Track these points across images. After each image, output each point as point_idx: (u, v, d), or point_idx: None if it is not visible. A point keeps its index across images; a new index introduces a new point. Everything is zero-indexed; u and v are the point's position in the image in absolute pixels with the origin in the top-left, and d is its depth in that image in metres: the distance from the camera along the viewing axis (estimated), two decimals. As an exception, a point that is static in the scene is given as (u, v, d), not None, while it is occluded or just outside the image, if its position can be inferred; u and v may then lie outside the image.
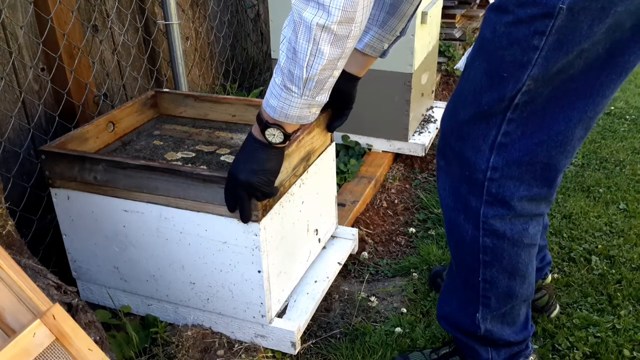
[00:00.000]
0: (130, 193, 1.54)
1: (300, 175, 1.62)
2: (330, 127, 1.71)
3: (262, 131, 1.27)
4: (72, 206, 1.63)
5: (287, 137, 1.27)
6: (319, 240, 1.87)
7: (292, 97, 1.18)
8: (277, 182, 1.38)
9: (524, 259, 1.35)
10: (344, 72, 1.48)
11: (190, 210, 1.51)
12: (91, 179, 1.55)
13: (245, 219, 1.42)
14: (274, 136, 1.27)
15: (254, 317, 1.59)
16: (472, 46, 1.27)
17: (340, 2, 1.03)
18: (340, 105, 1.60)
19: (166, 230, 1.56)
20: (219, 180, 1.41)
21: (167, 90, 2.02)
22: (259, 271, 1.51)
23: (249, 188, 1.33)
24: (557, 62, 1.12)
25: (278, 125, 1.25)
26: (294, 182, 1.59)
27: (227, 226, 1.48)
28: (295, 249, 1.69)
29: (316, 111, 1.23)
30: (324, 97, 1.20)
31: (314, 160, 1.69)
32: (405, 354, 1.64)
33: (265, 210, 1.46)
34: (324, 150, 1.75)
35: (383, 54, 1.54)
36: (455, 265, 1.45)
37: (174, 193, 1.49)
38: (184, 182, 1.46)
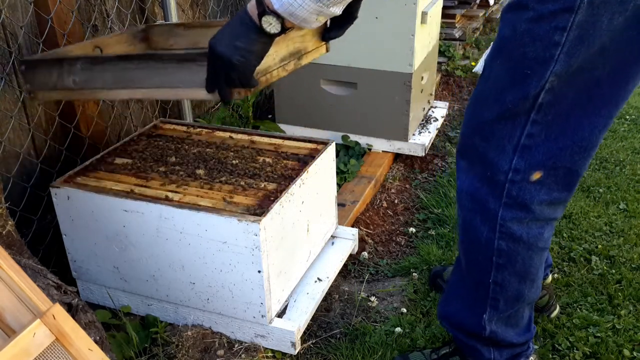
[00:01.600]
0: (109, 93, 1.43)
1: (290, 71, 1.46)
2: (325, 37, 1.51)
3: (260, 16, 1.16)
4: (72, 206, 1.63)
5: (284, 30, 1.17)
6: (319, 240, 1.87)
7: (307, 0, 1.12)
8: (262, 67, 1.25)
9: (536, 262, 1.35)
10: None
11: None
12: (70, 83, 1.45)
13: (225, 102, 1.26)
14: (270, 25, 1.16)
15: (254, 317, 1.59)
16: (489, 47, 1.26)
17: None
18: (341, 18, 1.40)
19: (166, 230, 1.56)
20: (194, 57, 1.28)
21: (158, 23, 1.97)
22: (259, 271, 1.51)
23: (227, 65, 1.19)
24: (579, 58, 1.12)
25: (278, 16, 1.15)
26: (282, 76, 1.44)
27: (227, 226, 1.48)
28: (295, 249, 1.69)
29: (322, 20, 1.17)
30: (338, 9, 1.15)
31: (306, 62, 1.53)
32: (405, 354, 1.64)
33: (247, 91, 1.30)
34: (316, 54, 1.57)
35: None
36: (466, 266, 1.43)
37: (149, 82, 1.37)
38: (160, 67, 1.34)
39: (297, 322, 1.63)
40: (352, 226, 2.22)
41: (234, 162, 1.75)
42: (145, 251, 1.62)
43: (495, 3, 4.82)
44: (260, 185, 1.63)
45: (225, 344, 1.63)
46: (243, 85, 1.23)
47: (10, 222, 1.43)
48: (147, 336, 1.64)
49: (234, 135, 1.93)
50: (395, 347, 1.68)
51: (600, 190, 2.50)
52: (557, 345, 1.68)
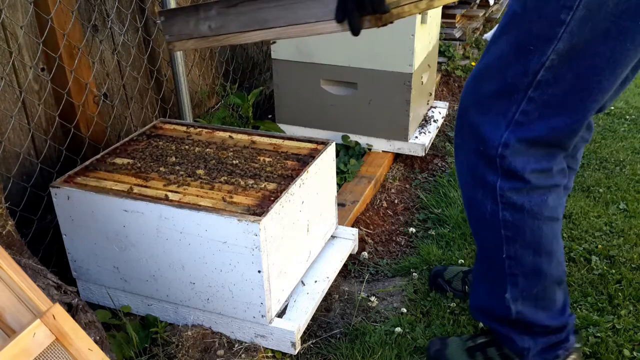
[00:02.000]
0: (243, 36, 1.42)
1: (422, 10, 1.35)
2: None
3: None
4: (72, 206, 1.63)
5: None
6: (319, 240, 1.87)
7: None
8: None
9: (547, 233, 1.34)
10: None
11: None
12: (206, 29, 1.47)
13: (354, 31, 1.20)
14: None
15: (254, 317, 1.59)
16: (499, 22, 1.26)
17: None
18: None
19: (166, 230, 1.56)
20: None
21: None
22: (259, 271, 1.51)
23: None
24: (581, 38, 1.15)
25: None
26: (414, 13, 1.30)
27: (227, 226, 1.48)
28: (295, 249, 1.69)
29: None
30: None
31: (438, 4, 1.40)
32: (443, 338, 1.63)
33: (378, 20, 1.23)
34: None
35: None
36: (479, 247, 1.44)
37: (283, 20, 1.36)
38: (292, 3, 1.33)
39: (297, 322, 1.63)
40: (352, 226, 2.22)
41: (234, 162, 1.75)
42: (145, 251, 1.62)
43: (495, 3, 4.82)
44: (260, 185, 1.63)
45: (225, 344, 1.63)
46: (375, 9, 1.16)
47: (10, 222, 1.43)
48: (147, 336, 1.64)
49: (234, 135, 1.93)
50: (395, 347, 1.68)
51: (600, 190, 2.50)
52: (557, 345, 1.68)
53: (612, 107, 3.36)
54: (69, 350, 1.07)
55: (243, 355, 1.60)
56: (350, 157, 2.61)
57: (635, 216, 2.31)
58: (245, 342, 1.64)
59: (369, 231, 2.26)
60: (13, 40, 1.71)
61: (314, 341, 1.73)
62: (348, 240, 2.00)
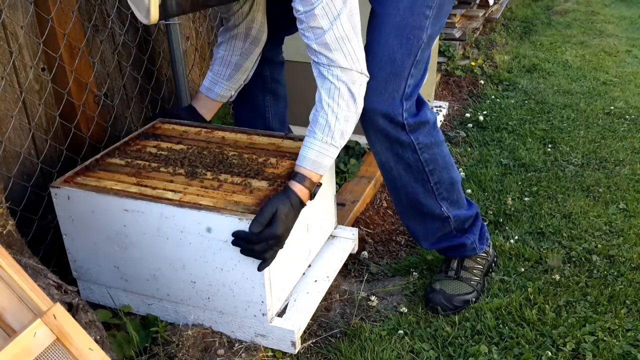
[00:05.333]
0: None
1: None
2: None
3: (314, 193, 1.58)
4: (73, 206, 1.63)
5: None
6: (319, 239, 1.87)
7: (336, 151, 1.57)
8: None
9: (446, 151, 1.78)
10: (197, 113, 1.99)
11: (191, 208, 1.51)
12: None
13: (268, 264, 1.52)
14: (316, 193, 1.60)
15: (254, 316, 1.59)
16: (367, 27, 1.65)
17: (364, 79, 1.56)
18: None
19: (167, 230, 1.56)
20: None
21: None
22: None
23: (280, 243, 1.50)
24: (436, 26, 1.65)
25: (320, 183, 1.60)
26: None
27: (228, 225, 1.48)
28: (295, 248, 1.69)
29: None
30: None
31: None
32: (434, 289, 1.85)
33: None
34: None
35: (230, 98, 2.01)
36: (407, 197, 1.79)
37: None
38: None
39: (297, 321, 1.63)
40: (352, 226, 2.22)
41: (233, 161, 1.75)
42: (146, 250, 1.62)
43: (495, 3, 4.83)
44: (261, 184, 1.63)
45: (226, 344, 1.63)
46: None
47: (10, 222, 1.43)
48: (147, 336, 1.65)
49: (233, 135, 1.93)
50: (395, 346, 1.68)
51: (600, 189, 2.50)
52: (556, 345, 1.68)
53: (612, 107, 3.36)
54: (69, 350, 1.07)
55: (243, 355, 1.60)
56: (350, 157, 2.62)
57: (635, 216, 2.31)
58: (246, 342, 1.64)
59: (369, 231, 2.26)
60: (13, 40, 1.71)
61: (314, 340, 1.73)
62: (348, 240, 2.00)
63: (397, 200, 1.86)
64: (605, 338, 1.69)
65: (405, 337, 1.72)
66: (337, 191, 2.38)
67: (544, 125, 3.15)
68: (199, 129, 1.97)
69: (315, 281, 1.81)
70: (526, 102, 3.47)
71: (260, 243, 1.45)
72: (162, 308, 1.70)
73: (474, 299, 1.85)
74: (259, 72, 2.04)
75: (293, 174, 1.56)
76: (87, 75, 1.92)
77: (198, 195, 1.58)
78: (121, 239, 1.63)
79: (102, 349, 1.13)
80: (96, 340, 1.20)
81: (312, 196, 1.58)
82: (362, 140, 2.67)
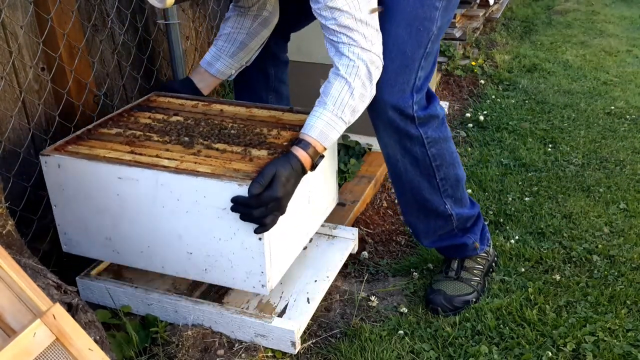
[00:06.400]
0: None
1: None
2: None
3: (316, 164, 1.53)
4: (63, 175, 1.58)
5: None
6: (320, 214, 1.83)
7: (344, 126, 1.55)
8: None
9: (453, 148, 1.78)
10: (193, 85, 1.93)
11: (187, 174, 1.46)
12: None
13: (268, 229, 1.46)
14: (317, 165, 1.55)
15: (253, 287, 1.55)
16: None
17: (379, 50, 1.54)
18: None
19: (162, 198, 1.50)
20: None
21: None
22: (260, 239, 1.47)
23: (282, 206, 1.46)
24: (445, 18, 1.63)
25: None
26: None
27: (227, 191, 1.44)
28: (296, 219, 1.64)
29: None
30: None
31: None
32: (434, 289, 1.84)
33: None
34: None
35: (229, 77, 1.96)
36: (412, 193, 1.78)
37: None
38: None
39: (297, 321, 1.63)
40: (352, 226, 2.21)
41: (232, 132, 1.69)
42: (140, 221, 1.56)
43: (495, 3, 4.82)
44: (260, 153, 1.58)
45: (226, 344, 1.63)
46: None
47: (10, 222, 1.43)
48: (147, 336, 1.64)
49: (232, 108, 1.87)
50: (395, 347, 1.68)
51: (601, 190, 2.50)
52: (556, 345, 1.68)
53: (612, 107, 3.36)
54: (69, 350, 1.07)
55: (243, 355, 1.60)
56: (350, 156, 2.61)
57: (636, 216, 2.31)
58: (245, 342, 1.64)
59: (369, 231, 2.26)
60: (13, 40, 1.71)
61: (314, 341, 1.73)
62: (348, 240, 2.00)
63: (400, 195, 1.84)
64: (605, 338, 1.69)
65: (406, 338, 1.72)
66: (337, 191, 2.38)
67: (544, 125, 3.14)
68: (196, 102, 1.90)
69: (315, 281, 1.80)
70: (526, 102, 3.47)
71: (260, 207, 1.41)
72: (161, 308, 1.70)
73: (474, 300, 1.84)
74: (264, 70, 2.03)
75: (297, 140, 1.51)
76: (86, 75, 1.92)
77: (195, 163, 1.53)
78: (114, 209, 1.56)
79: (102, 349, 1.13)
80: (96, 341, 1.20)
81: (313, 166, 1.53)
82: (362, 140, 2.66)
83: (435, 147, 1.71)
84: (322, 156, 1.56)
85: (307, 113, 1.79)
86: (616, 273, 1.98)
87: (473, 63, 3.92)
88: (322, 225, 2.01)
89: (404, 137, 1.67)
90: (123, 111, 1.84)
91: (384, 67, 1.57)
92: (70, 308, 1.26)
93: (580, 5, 5.87)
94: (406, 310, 1.83)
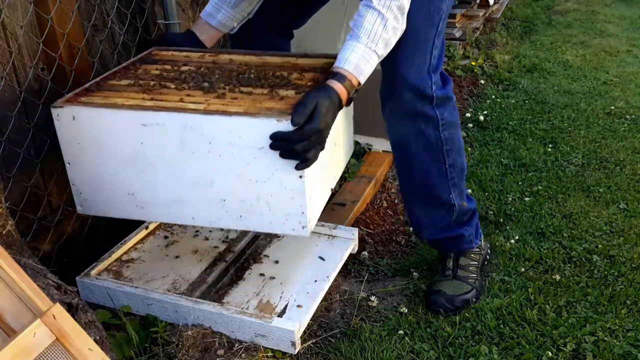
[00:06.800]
0: None
1: None
2: None
3: (352, 98, 1.48)
4: (78, 127, 1.45)
5: None
6: (342, 160, 1.79)
7: (377, 60, 1.51)
8: None
9: (460, 135, 1.80)
10: (196, 39, 1.85)
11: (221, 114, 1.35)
12: None
13: (310, 165, 1.40)
14: (353, 99, 1.51)
15: (293, 230, 1.47)
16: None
17: None
18: None
19: (192, 143, 1.40)
20: None
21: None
22: (301, 176, 1.39)
23: (322, 139, 1.40)
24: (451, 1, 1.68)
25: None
26: None
27: (265, 129, 1.35)
28: (327, 160, 1.58)
29: None
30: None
31: None
32: (433, 290, 1.84)
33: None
34: None
35: (231, 30, 1.90)
36: (423, 173, 1.77)
37: None
38: None
39: (297, 321, 1.63)
40: (352, 226, 2.22)
41: (251, 76, 1.60)
42: (167, 170, 1.45)
43: (495, 3, 4.82)
44: (288, 93, 1.51)
45: (225, 344, 1.63)
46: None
47: (10, 222, 1.43)
48: (147, 336, 1.64)
49: (241, 57, 1.76)
50: (395, 347, 1.68)
51: (600, 190, 2.50)
52: (556, 345, 1.68)
53: (612, 107, 3.36)
54: (69, 350, 1.07)
55: (243, 355, 1.60)
56: (350, 157, 2.61)
57: (636, 216, 2.31)
58: (245, 342, 1.64)
59: (369, 231, 2.26)
60: (13, 40, 1.70)
61: (314, 341, 1.73)
62: (348, 240, 2.00)
63: (407, 182, 1.84)
64: (605, 338, 1.69)
65: (406, 338, 1.72)
66: (337, 191, 2.38)
67: (544, 125, 3.14)
68: (202, 53, 1.79)
69: (315, 281, 1.80)
70: (526, 102, 3.47)
71: (303, 141, 1.34)
72: (161, 308, 1.70)
73: (474, 299, 1.85)
74: None
75: (332, 74, 1.45)
76: (86, 75, 1.92)
77: (224, 104, 1.44)
78: (138, 159, 1.45)
79: (102, 349, 1.13)
80: (96, 341, 1.20)
81: (349, 101, 1.47)
82: (362, 140, 2.67)
83: (447, 131, 1.72)
84: (357, 90, 1.49)
85: (322, 56, 1.75)
86: (616, 273, 1.98)
87: (473, 63, 3.92)
88: (322, 225, 2.01)
89: (420, 118, 1.68)
90: (128, 64, 1.73)
91: (399, 47, 1.55)
92: (70, 308, 1.26)
93: (580, 5, 5.87)
94: (406, 310, 1.83)
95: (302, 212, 1.44)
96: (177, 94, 1.50)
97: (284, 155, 1.37)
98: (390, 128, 1.74)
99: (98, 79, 1.63)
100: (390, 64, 1.63)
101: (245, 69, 1.67)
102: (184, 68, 1.69)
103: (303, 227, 1.46)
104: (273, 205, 1.44)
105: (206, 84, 1.56)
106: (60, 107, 1.45)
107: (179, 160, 1.44)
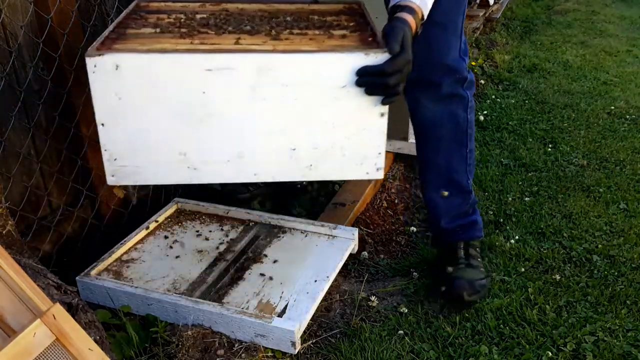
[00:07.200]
0: None
1: None
2: None
3: (419, 32, 1.43)
4: (122, 79, 1.25)
5: None
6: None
7: None
8: None
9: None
10: None
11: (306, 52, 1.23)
12: None
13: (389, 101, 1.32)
14: (419, 33, 1.46)
15: (367, 173, 1.38)
16: None
17: None
18: None
19: (265, 87, 1.26)
20: None
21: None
22: (382, 114, 1.30)
23: (408, 75, 1.33)
24: None
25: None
26: None
27: (351, 64, 1.25)
28: None
29: None
30: None
31: None
32: (452, 279, 1.82)
33: None
34: None
35: None
36: (447, 155, 1.82)
37: None
38: None
39: (297, 321, 1.63)
40: (352, 226, 2.22)
41: (287, 19, 1.44)
42: (231, 122, 1.30)
43: (495, 2, 4.83)
44: (344, 32, 1.40)
45: (225, 344, 1.63)
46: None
47: (10, 222, 1.43)
48: (147, 336, 1.64)
49: (249, 6, 1.58)
50: (395, 347, 1.68)
51: (601, 190, 2.50)
52: (556, 345, 1.68)
53: (612, 107, 3.36)
54: (69, 350, 1.07)
55: (243, 355, 1.60)
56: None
57: (636, 216, 2.31)
58: (245, 342, 1.64)
59: (369, 231, 2.26)
60: (13, 40, 1.71)
61: (314, 341, 1.73)
62: (348, 240, 2.00)
63: (431, 167, 1.88)
64: (605, 338, 1.69)
65: (406, 338, 1.72)
66: (337, 191, 2.38)
67: (544, 125, 3.14)
68: (200, 2, 1.61)
69: (315, 281, 1.80)
70: (526, 102, 3.47)
71: (396, 73, 1.26)
72: (161, 308, 1.70)
73: (488, 286, 1.89)
74: None
75: (400, 8, 1.38)
76: (86, 74, 1.91)
77: (290, 44, 1.30)
78: (195, 112, 1.28)
79: (102, 349, 1.13)
80: (96, 341, 1.20)
81: (417, 34, 1.39)
82: (363, 140, 2.66)
83: (471, 114, 1.80)
84: (422, 24, 1.43)
85: (333, 2, 1.66)
86: (616, 273, 1.98)
87: (473, 63, 3.92)
88: (322, 225, 2.01)
89: (455, 98, 1.76)
90: (121, 21, 1.48)
91: (438, 34, 1.65)
92: (70, 308, 1.26)
93: (580, 5, 5.87)
94: (406, 310, 1.83)
95: (379, 153, 1.35)
96: (226, 37, 1.33)
97: (372, 90, 1.28)
98: (425, 112, 1.78)
99: (111, 27, 1.40)
100: (428, 49, 1.66)
101: (275, 14, 1.51)
102: (200, 16, 1.49)
103: (378, 169, 1.37)
104: (348, 150, 1.34)
105: (248, 27, 1.39)
106: (99, 55, 1.22)
107: (246, 109, 1.29)
